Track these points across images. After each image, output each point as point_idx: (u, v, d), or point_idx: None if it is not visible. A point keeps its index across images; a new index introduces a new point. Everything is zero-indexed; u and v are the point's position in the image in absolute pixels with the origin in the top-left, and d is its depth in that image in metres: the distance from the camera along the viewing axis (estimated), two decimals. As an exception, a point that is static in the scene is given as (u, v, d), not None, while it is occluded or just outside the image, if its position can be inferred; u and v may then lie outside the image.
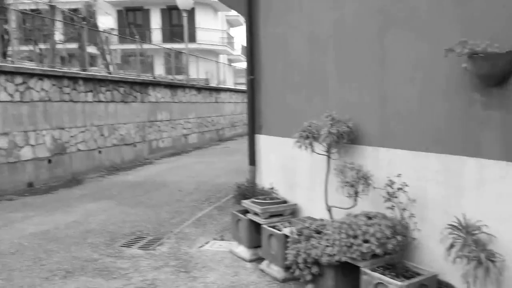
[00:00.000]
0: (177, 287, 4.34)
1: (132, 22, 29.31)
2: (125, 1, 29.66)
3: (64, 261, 5.05)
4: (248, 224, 5.10)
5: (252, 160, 6.35)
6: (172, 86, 16.25)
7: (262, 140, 6.17)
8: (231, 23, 37.85)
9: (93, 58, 16.30)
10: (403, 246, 3.65)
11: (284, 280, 4.38)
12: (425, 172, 3.72)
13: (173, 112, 16.21)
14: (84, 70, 12.51)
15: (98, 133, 11.92)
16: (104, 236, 5.97)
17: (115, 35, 21.48)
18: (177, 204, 7.86)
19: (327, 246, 3.82)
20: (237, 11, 8.32)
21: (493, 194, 3.20)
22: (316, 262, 3.93)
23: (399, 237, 3.61)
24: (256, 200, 5.20)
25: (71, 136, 10.86)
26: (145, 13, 30.58)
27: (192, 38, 27.62)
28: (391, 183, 3.70)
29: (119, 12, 30.21)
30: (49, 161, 10.13)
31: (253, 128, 6.26)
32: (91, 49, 15.38)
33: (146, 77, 15.85)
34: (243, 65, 33.96)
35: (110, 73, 14.83)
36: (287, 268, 4.30)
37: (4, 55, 11.28)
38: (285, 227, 4.56)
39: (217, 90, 21.11)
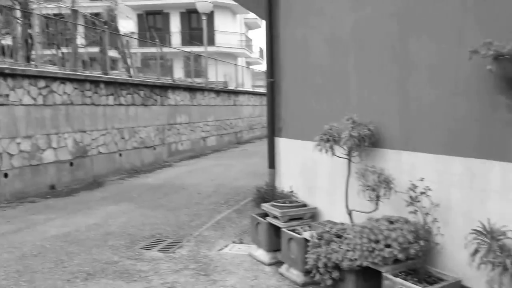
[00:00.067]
0: (196, 290, 4.35)
1: (152, 25, 29.61)
2: (146, 5, 30.06)
3: (85, 264, 5.11)
4: (267, 227, 5.07)
5: (272, 163, 6.31)
6: (191, 89, 16.34)
7: (282, 143, 6.14)
8: (249, 26, 37.92)
9: (114, 62, 16.53)
10: (426, 251, 3.58)
11: (304, 285, 4.35)
12: (449, 176, 3.65)
13: (192, 115, 16.30)
14: (105, 74, 12.68)
15: (118, 136, 12.06)
16: (124, 239, 6.02)
17: (135, 38, 21.78)
18: (196, 207, 7.89)
19: (348, 250, 3.78)
20: (256, 14, 8.34)
21: (520, 199, 3.13)
22: (337, 267, 3.89)
23: (421, 242, 3.55)
24: (276, 203, 5.16)
25: (93, 139, 11.00)
26: (165, 16, 30.90)
27: (211, 41, 27.78)
28: (413, 187, 3.64)
29: (139, 16, 30.61)
30: (71, 163, 10.28)
31: (273, 131, 6.24)
32: (112, 53, 15.60)
33: (166, 80, 16.01)
34: (261, 67, 34.03)
35: (130, 76, 15.02)
36: (306, 272, 4.27)
37: (28, 59, 11.51)
38: (305, 231, 4.54)
39: (236, 93, 21.16)
